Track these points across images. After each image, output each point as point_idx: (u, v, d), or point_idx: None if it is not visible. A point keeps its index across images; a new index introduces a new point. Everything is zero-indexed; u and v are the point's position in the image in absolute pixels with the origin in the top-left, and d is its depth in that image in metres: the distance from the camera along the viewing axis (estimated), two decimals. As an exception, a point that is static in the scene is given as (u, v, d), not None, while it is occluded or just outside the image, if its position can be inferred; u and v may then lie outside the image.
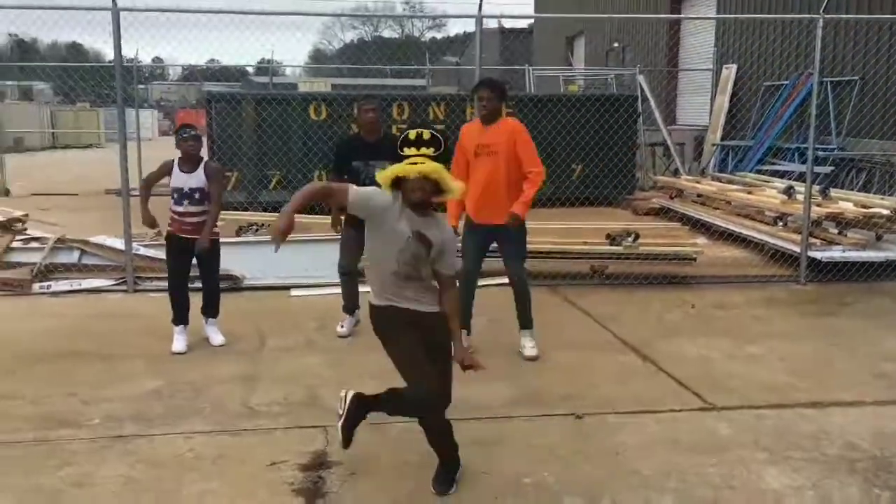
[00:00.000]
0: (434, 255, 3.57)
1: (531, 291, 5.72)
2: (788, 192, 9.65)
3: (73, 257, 7.79)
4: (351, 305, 6.15)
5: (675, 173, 15.69)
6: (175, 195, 5.57)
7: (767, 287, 7.90)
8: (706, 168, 15.33)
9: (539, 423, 4.44)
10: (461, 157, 5.56)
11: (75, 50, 39.10)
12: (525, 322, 5.66)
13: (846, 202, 9.18)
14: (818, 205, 8.78)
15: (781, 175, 12.29)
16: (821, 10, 8.07)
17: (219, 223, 5.93)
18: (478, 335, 5.79)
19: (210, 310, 5.86)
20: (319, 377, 5.17)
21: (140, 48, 22.49)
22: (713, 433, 4.31)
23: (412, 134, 3.52)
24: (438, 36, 64.09)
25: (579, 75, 22.27)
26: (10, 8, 7.72)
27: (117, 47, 7.29)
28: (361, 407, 3.76)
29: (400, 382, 3.60)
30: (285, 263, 7.71)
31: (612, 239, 8.20)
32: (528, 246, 5.79)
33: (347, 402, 3.75)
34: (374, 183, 3.65)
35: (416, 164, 3.44)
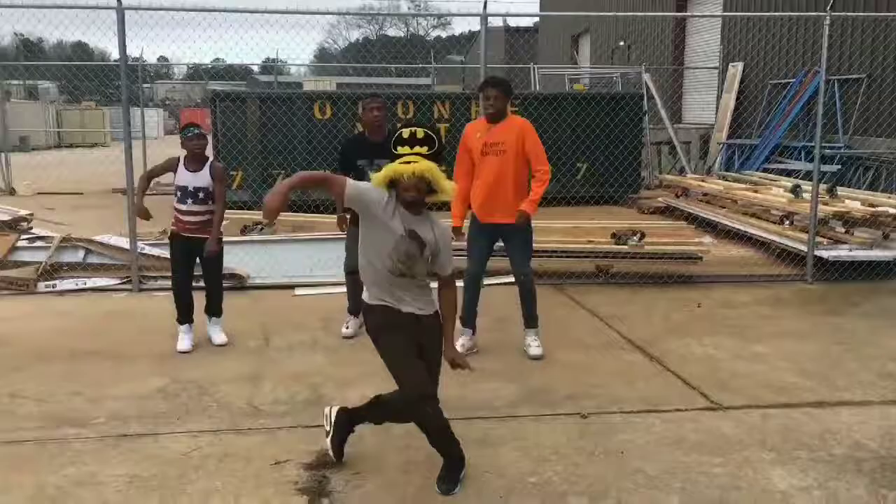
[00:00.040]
0: (428, 255, 3.57)
1: (536, 290, 5.71)
2: (795, 190, 9.61)
3: (79, 256, 7.81)
4: (356, 306, 6.14)
5: (681, 172, 15.65)
6: (179, 193, 5.58)
7: (774, 286, 7.87)
8: (712, 166, 15.30)
9: (544, 423, 4.43)
10: (465, 155, 5.55)
11: (81, 49, 39.20)
12: (530, 321, 5.65)
13: (853, 201, 9.14)
14: (825, 203, 8.74)
15: (788, 174, 12.26)
16: (827, 8, 8.03)
17: (223, 222, 5.93)
18: (483, 334, 5.78)
19: (213, 309, 5.85)
20: (324, 376, 5.17)
21: (145, 47, 22.51)
22: (719, 433, 4.29)
23: (406, 133, 3.51)
24: (443, 34, 64.16)
25: (585, 74, 22.24)
26: (16, 7, 7.73)
27: (122, 46, 7.29)
28: (347, 420, 3.81)
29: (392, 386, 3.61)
30: (290, 262, 7.75)
31: (617, 238, 8.18)
32: (533, 245, 5.77)
33: (333, 417, 3.81)
34: None
35: (409, 163, 3.44)
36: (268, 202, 3.28)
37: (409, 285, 3.60)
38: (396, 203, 3.51)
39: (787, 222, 9.14)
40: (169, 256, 5.91)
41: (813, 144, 8.49)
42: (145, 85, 19.35)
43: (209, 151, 5.86)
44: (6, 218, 8.68)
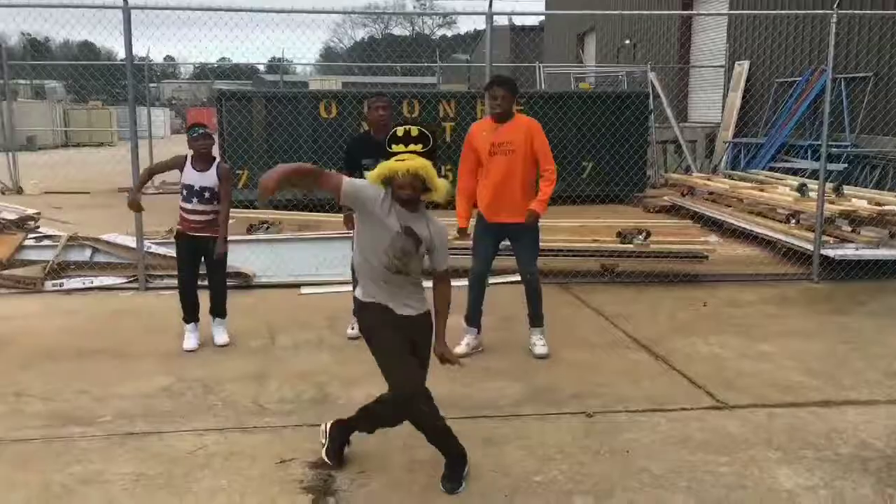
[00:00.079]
0: (423, 251, 3.60)
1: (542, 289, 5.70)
2: (801, 189, 9.59)
3: (86, 255, 7.84)
4: None
5: (687, 171, 15.63)
6: (185, 192, 5.59)
7: (780, 285, 7.85)
8: (718, 165, 15.26)
9: (549, 422, 4.42)
10: (469, 154, 5.54)
11: (87, 49, 39.32)
12: (536, 320, 5.65)
13: (860, 199, 9.11)
14: (831, 202, 8.72)
15: (794, 172, 12.23)
16: (834, 6, 8.01)
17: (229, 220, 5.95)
18: (488, 333, 5.78)
19: (217, 310, 5.86)
20: (330, 375, 5.17)
21: (151, 46, 22.59)
22: (725, 432, 4.29)
23: (400, 131, 3.53)
24: (449, 33, 64.14)
25: (590, 72, 22.22)
26: (23, 6, 7.76)
27: (128, 45, 7.31)
28: (342, 431, 3.84)
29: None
30: (296, 261, 7.76)
31: (622, 236, 8.18)
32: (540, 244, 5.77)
33: (328, 430, 3.86)
34: None
35: (404, 160, 3.45)
36: (263, 181, 3.28)
37: (403, 283, 3.62)
38: (392, 200, 3.53)
39: (794, 221, 9.12)
40: (175, 255, 5.93)
41: (819, 143, 8.47)
42: (152, 84, 19.42)
43: (215, 151, 5.87)
44: (13, 217, 8.71)
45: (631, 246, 8.03)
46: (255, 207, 10.47)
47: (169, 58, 38.91)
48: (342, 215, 6.25)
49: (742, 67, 15.70)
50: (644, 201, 13.00)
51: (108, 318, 6.54)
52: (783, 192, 10.20)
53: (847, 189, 9.65)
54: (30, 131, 28.19)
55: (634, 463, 3.90)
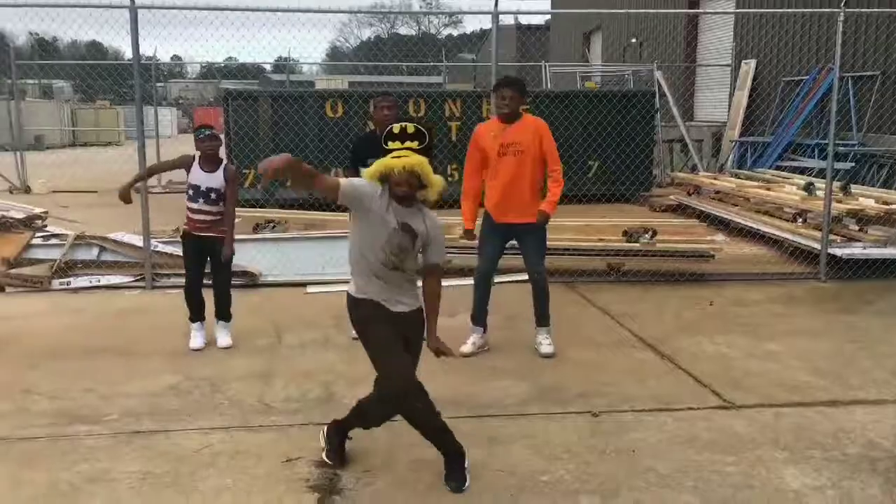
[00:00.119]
0: (419, 246, 3.62)
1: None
2: (808, 188, 9.56)
3: (93, 254, 7.86)
4: None
5: (693, 170, 15.59)
6: (191, 192, 5.60)
7: (787, 284, 7.83)
8: (724, 164, 15.22)
9: (555, 421, 4.42)
10: (475, 154, 5.52)
11: (95, 48, 39.43)
12: (542, 319, 5.64)
13: (867, 198, 9.08)
14: (838, 201, 8.69)
15: (801, 171, 12.18)
16: (841, 4, 7.97)
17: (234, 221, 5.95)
18: (493, 332, 5.78)
19: (221, 313, 5.86)
20: (336, 374, 5.18)
21: (158, 46, 22.66)
22: (732, 432, 4.27)
23: (396, 128, 3.55)
24: (455, 33, 64.16)
25: (596, 71, 22.18)
26: (31, 6, 7.78)
27: (135, 45, 7.33)
28: (339, 431, 3.86)
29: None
30: (302, 260, 7.77)
31: (629, 236, 8.16)
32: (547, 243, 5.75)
33: (325, 432, 3.89)
34: None
35: (400, 157, 3.47)
36: (268, 163, 3.26)
37: (399, 279, 3.64)
38: (389, 197, 3.54)
39: (801, 220, 9.09)
40: (182, 254, 5.94)
41: (826, 142, 8.45)
42: (159, 84, 19.46)
43: (222, 151, 5.87)
44: (21, 216, 8.74)
45: (637, 245, 8.01)
46: (262, 206, 10.48)
47: (176, 57, 39.00)
48: (348, 214, 6.25)
49: (749, 66, 15.65)
50: (650, 200, 12.97)
51: (114, 317, 6.56)
52: (790, 190, 10.16)
53: (854, 188, 9.60)
54: (38, 131, 28.31)
55: (640, 462, 3.89)
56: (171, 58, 38.45)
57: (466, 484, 3.62)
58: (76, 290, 7.38)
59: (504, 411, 4.55)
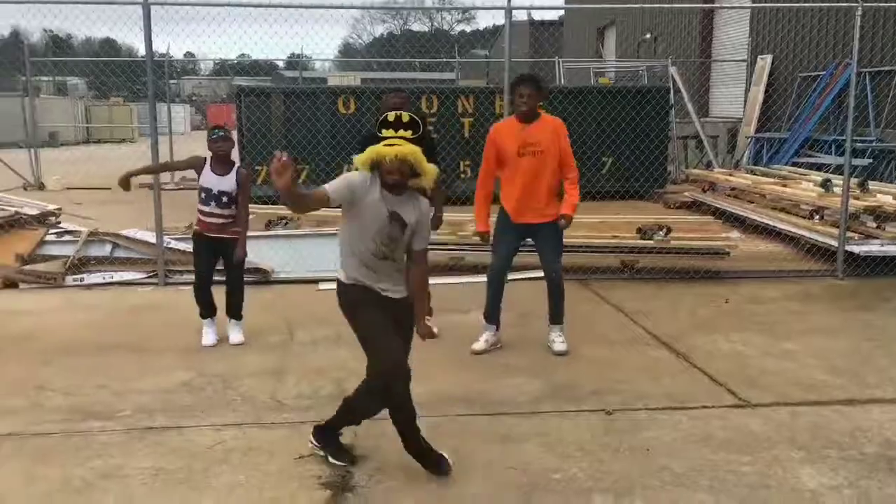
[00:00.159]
0: (409, 235, 3.62)
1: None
2: (825, 185, 9.46)
3: (106, 250, 7.89)
4: None
5: (708, 166, 15.49)
6: (203, 195, 5.58)
7: (803, 282, 7.75)
8: (740, 161, 15.11)
9: (568, 419, 4.39)
10: (493, 154, 5.46)
11: (108, 45, 39.66)
12: (556, 317, 5.60)
13: (885, 195, 8.98)
14: (856, 198, 8.60)
15: (818, 168, 12.07)
16: (859, -2, 7.88)
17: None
18: (506, 329, 5.75)
19: (233, 313, 5.85)
20: (348, 371, 5.15)
21: (171, 43, 22.73)
22: (747, 430, 4.23)
23: (391, 116, 3.55)
24: (468, 29, 64.04)
25: (610, 67, 22.07)
26: (44, 2, 7.81)
27: (148, 42, 7.34)
28: (327, 432, 3.84)
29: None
30: (314, 257, 7.76)
31: (643, 233, 8.10)
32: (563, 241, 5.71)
33: (315, 441, 3.87)
34: None
35: (393, 146, 3.46)
36: (274, 180, 3.24)
37: (389, 269, 3.65)
38: (380, 186, 3.54)
39: (817, 217, 9.01)
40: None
41: (844, 138, 8.35)
42: (172, 81, 19.53)
43: (235, 152, 5.86)
44: (35, 212, 8.79)
45: (651, 242, 7.96)
46: (274, 203, 10.49)
47: (189, 54, 39.14)
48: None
49: (765, 61, 15.52)
50: (664, 197, 12.90)
51: (127, 313, 6.58)
52: (807, 187, 10.08)
53: (872, 184, 9.51)
54: (52, 127, 28.48)
55: (655, 461, 3.85)
56: (185, 54, 38.60)
57: (448, 461, 3.66)
58: (89, 286, 7.42)
59: (517, 409, 4.52)
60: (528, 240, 5.63)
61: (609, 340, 5.87)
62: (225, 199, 5.55)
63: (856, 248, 7.88)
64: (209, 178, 5.56)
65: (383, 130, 3.52)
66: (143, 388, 4.84)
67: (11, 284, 7.40)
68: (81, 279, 7.48)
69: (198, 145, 6.54)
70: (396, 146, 3.46)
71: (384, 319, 3.61)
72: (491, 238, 5.61)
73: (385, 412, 3.73)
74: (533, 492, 3.56)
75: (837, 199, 8.20)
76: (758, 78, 15.64)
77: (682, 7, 18.67)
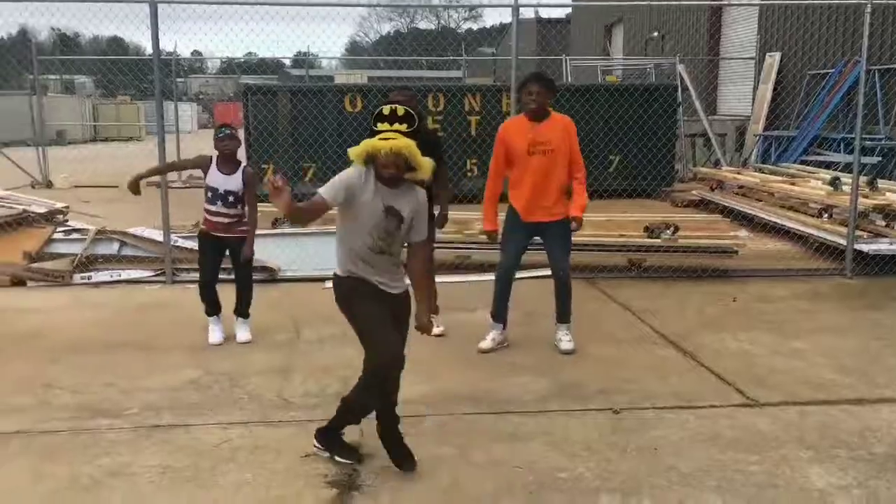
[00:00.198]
0: (405, 228, 3.62)
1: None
2: (834, 183, 9.42)
3: (113, 248, 7.91)
4: None
5: (716, 164, 15.44)
6: (209, 194, 5.58)
7: (812, 280, 7.72)
8: (748, 159, 15.05)
9: (575, 418, 4.37)
10: (503, 153, 5.44)
11: (116, 44, 39.78)
12: (563, 316, 5.58)
13: (894, 193, 8.93)
14: (865, 196, 8.55)
15: (827, 166, 12.01)
16: (869, -5, 7.83)
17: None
18: (513, 328, 5.74)
19: (241, 311, 5.85)
20: (354, 369, 5.08)
21: (178, 41, 22.77)
22: (755, 430, 4.21)
23: (386, 109, 3.53)
24: (475, 27, 64.01)
25: (618, 65, 22.00)
26: (52, 1, 7.83)
27: (155, 40, 7.35)
28: (329, 434, 3.83)
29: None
30: (321, 255, 7.76)
31: (650, 231, 8.08)
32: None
33: (318, 443, 3.87)
34: None
35: (388, 139, 3.44)
36: (272, 198, 3.27)
37: (386, 263, 3.64)
38: (375, 179, 3.53)
39: (826, 215, 8.96)
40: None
41: (853, 136, 8.31)
42: (179, 79, 19.56)
43: (241, 152, 5.85)
44: (42, 210, 8.82)
45: (658, 241, 7.93)
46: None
47: (196, 53, 39.18)
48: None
49: (773, 59, 15.45)
50: (672, 195, 12.86)
51: (135, 311, 6.59)
52: (815, 185, 10.02)
53: (881, 183, 9.45)
54: (59, 126, 28.59)
55: (662, 461, 3.84)
56: (192, 53, 38.72)
57: (417, 462, 3.70)
58: (97, 284, 7.43)
59: (523, 408, 4.51)
60: (536, 238, 5.61)
61: (616, 339, 5.85)
62: (231, 198, 5.55)
63: (865, 247, 7.84)
64: (215, 178, 5.55)
65: (378, 124, 3.51)
66: (151, 386, 4.85)
67: (19, 282, 7.42)
68: (89, 277, 7.50)
69: (205, 143, 6.54)
70: (391, 140, 3.44)
71: (381, 312, 3.61)
72: (499, 237, 5.60)
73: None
74: (539, 491, 3.55)
75: (846, 198, 8.16)
76: (766, 76, 15.57)
77: (690, 4, 18.57)
